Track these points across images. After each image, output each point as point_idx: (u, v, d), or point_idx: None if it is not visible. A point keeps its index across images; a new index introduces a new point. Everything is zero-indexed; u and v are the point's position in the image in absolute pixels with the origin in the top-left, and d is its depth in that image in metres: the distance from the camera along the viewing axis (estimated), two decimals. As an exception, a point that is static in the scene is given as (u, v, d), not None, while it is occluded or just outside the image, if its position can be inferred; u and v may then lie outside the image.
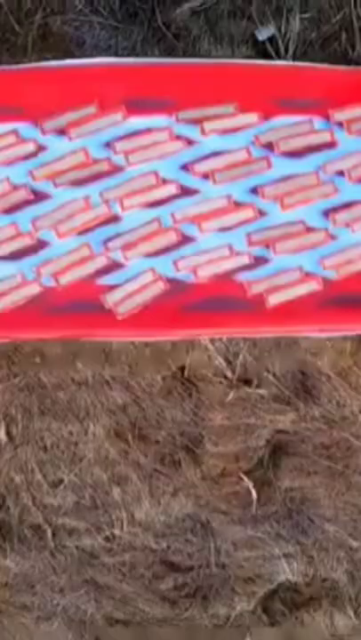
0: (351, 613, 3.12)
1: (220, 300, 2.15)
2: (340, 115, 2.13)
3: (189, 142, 2.14)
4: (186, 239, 2.11)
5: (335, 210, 2.17)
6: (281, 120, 2.14)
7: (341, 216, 2.16)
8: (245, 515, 2.97)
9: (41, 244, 2.09)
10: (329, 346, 2.90)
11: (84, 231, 2.12)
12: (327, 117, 2.13)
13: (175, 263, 2.14)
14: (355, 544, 3.03)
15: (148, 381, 2.92)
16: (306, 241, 2.17)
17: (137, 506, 2.94)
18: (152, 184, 2.16)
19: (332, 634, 3.08)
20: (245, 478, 2.93)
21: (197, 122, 2.13)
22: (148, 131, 2.13)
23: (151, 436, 2.88)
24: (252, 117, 2.14)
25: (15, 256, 2.11)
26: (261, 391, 2.91)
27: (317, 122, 2.15)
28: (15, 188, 2.12)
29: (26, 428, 2.92)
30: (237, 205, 2.12)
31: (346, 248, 2.18)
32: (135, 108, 2.14)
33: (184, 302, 2.15)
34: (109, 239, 2.12)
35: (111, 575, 3.03)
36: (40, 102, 2.13)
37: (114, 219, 2.17)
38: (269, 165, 2.17)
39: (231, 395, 2.91)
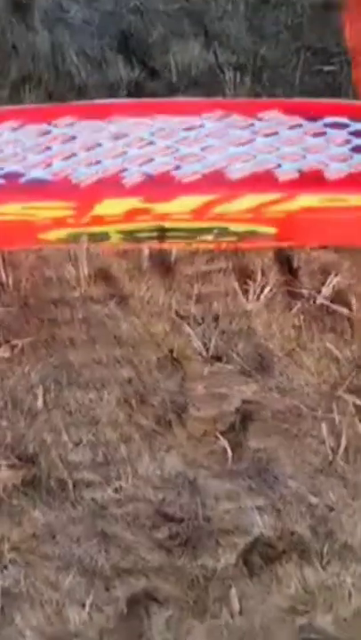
0: (318, 566, 2.72)
1: (163, 182, 3.08)
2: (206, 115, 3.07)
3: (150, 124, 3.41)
4: (151, 159, 3.06)
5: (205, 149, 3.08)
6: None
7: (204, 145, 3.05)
8: (223, 470, 2.89)
9: (97, 162, 3.06)
10: (278, 333, 3.10)
11: (114, 157, 3.01)
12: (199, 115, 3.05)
13: (149, 168, 3.04)
14: (314, 500, 2.82)
15: (147, 360, 3.10)
16: (194, 161, 3.09)
17: (139, 461, 2.87)
18: (140, 140, 3.46)
19: (304, 587, 2.71)
20: (222, 438, 2.85)
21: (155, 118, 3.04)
22: (139, 123, 3.43)
23: (149, 402, 2.95)
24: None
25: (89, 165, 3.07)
26: (229, 366, 3.09)
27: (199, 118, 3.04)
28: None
29: (57, 397, 2.97)
30: (169, 148, 3.07)
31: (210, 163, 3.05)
32: (129, 116, 3.41)
33: (152, 184, 3.05)
34: (124, 160, 3.39)
35: (118, 525, 2.80)
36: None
37: (125, 152, 3.43)
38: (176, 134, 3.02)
39: (207, 369, 3.07)
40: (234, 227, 3.12)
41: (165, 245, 3.26)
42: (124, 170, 3.11)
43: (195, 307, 3.18)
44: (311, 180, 2.93)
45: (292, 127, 3.11)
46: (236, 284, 3.20)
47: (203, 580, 2.82)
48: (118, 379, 3.10)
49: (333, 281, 3.14)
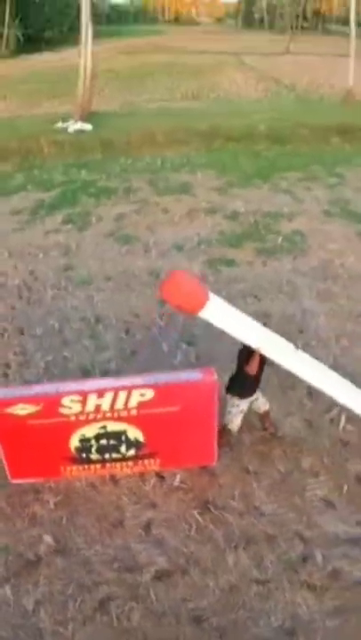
0: (195, 578, 4.79)
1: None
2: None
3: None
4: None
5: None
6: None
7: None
8: (141, 545, 4.95)
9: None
10: (160, 497, 5.42)
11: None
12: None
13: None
14: (185, 550, 4.95)
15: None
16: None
17: (105, 541, 4.96)
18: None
19: (189, 588, 4.68)
20: (141, 530, 5.07)
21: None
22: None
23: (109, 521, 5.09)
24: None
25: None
26: (142, 505, 5.36)
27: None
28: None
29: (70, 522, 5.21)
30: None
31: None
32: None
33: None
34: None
35: (95, 565, 4.86)
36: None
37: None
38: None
39: (134, 508, 5.34)
40: (113, 425, 5.42)
41: (113, 470, 5.86)
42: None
43: (126, 491, 5.78)
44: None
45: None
46: (142, 484, 5.84)
47: (135, 586, 4.94)
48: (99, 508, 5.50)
49: (178, 478, 5.84)
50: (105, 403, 5.39)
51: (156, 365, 7.08)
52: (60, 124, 20.22)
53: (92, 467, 5.81)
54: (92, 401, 5.37)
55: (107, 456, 5.76)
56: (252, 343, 5.35)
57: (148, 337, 8.35)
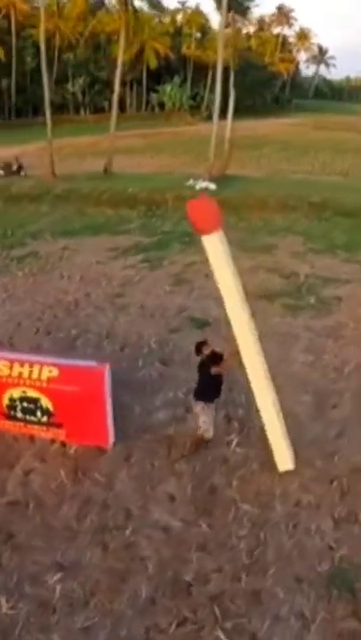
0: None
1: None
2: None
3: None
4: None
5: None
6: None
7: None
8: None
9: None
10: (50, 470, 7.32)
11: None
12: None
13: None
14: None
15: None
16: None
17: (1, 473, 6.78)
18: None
19: None
20: None
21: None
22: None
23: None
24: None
25: None
26: None
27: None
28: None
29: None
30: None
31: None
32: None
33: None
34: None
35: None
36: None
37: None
38: None
39: None
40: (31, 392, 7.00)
41: (33, 431, 7.51)
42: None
43: (34, 448, 7.46)
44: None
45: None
46: (49, 446, 7.46)
47: None
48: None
49: (74, 448, 7.35)
50: (25, 372, 7.05)
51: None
52: (190, 182, 22.92)
53: (18, 425, 7.42)
54: (16, 368, 7.13)
55: (27, 417, 7.33)
56: (225, 293, 5.85)
57: (134, 353, 9.98)
